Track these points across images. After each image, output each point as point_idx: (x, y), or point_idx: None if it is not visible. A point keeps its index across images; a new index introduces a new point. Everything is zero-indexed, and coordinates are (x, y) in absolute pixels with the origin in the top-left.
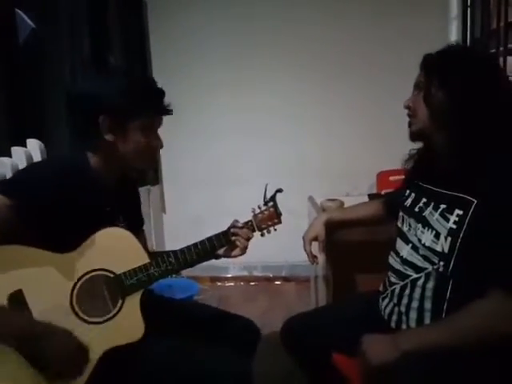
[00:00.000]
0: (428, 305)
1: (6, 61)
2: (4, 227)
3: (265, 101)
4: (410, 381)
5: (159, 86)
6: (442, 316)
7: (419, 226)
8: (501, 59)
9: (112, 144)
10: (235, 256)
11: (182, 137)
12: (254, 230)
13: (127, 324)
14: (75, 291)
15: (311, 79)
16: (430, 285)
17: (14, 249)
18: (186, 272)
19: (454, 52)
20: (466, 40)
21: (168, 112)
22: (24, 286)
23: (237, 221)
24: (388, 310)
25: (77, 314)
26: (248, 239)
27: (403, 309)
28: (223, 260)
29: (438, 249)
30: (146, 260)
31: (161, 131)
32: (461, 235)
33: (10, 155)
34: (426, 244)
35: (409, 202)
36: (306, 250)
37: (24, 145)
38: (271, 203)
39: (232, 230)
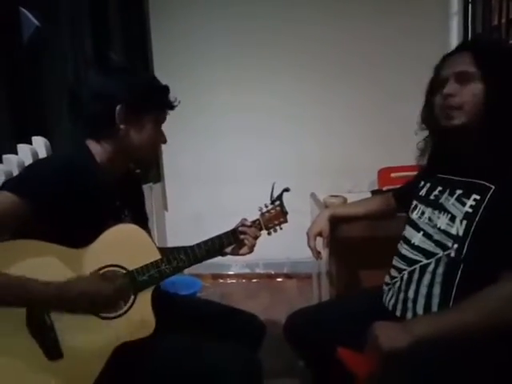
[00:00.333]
0: (437, 290)
1: (11, 58)
2: (15, 224)
3: (265, 100)
4: (422, 367)
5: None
6: (450, 302)
7: (436, 212)
8: None
9: (123, 134)
10: (243, 254)
11: (183, 135)
12: (261, 229)
13: (139, 320)
14: None
15: (311, 79)
16: (440, 270)
17: (27, 243)
18: (187, 269)
19: (498, 41)
20: (468, 36)
21: (174, 107)
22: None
23: (245, 219)
24: (393, 301)
25: None
26: (256, 238)
27: (411, 294)
28: (225, 257)
29: (453, 232)
30: (157, 256)
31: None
32: (476, 219)
33: (16, 152)
34: (442, 227)
35: (424, 191)
36: (310, 246)
37: (29, 142)
38: (278, 202)
39: (240, 228)
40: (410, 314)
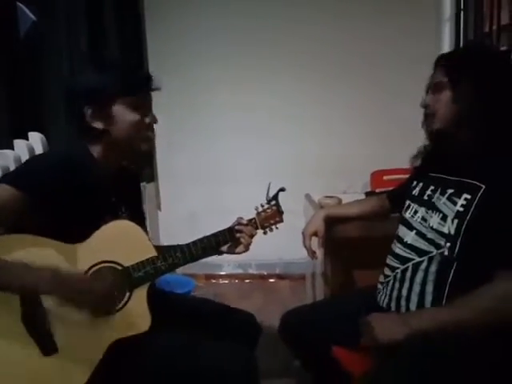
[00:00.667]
0: (430, 288)
1: (7, 53)
2: (13, 217)
3: (263, 100)
4: (417, 365)
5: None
6: (442, 300)
7: (429, 211)
8: None
9: (105, 131)
10: (239, 253)
11: (179, 135)
12: (257, 228)
13: (134, 316)
14: None
15: (311, 78)
16: (433, 268)
17: (24, 237)
18: (180, 269)
19: (475, 50)
20: (459, 42)
21: (144, 86)
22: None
23: (241, 218)
24: (387, 299)
25: None
26: (251, 236)
27: (404, 292)
28: (218, 258)
29: (445, 230)
30: (153, 253)
31: (157, 128)
32: (467, 218)
33: (12, 148)
34: (434, 227)
35: (417, 191)
36: (305, 245)
37: (26, 138)
38: (274, 202)
39: (237, 227)
40: (403, 311)
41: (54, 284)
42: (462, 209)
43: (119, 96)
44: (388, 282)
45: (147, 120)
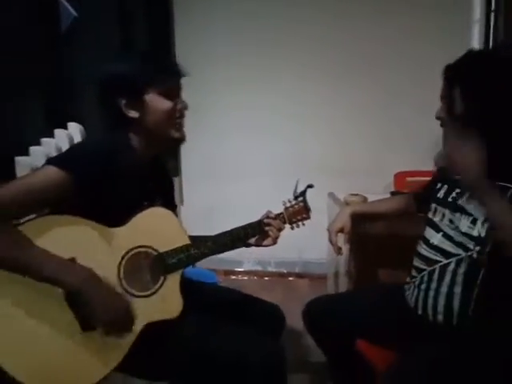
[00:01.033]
0: (458, 289)
1: (50, 49)
2: (57, 198)
3: (268, 99)
4: (437, 362)
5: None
6: (471, 301)
7: (456, 214)
8: None
9: (140, 119)
10: (266, 245)
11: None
12: (285, 222)
13: (167, 301)
14: (122, 264)
15: (313, 78)
16: (461, 270)
17: (67, 218)
18: (200, 264)
19: (472, 61)
20: (488, 45)
21: (175, 74)
22: (78, 254)
23: (270, 211)
24: (414, 298)
25: (123, 286)
26: (280, 230)
27: (432, 293)
28: (237, 254)
29: (475, 234)
30: (186, 241)
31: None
32: None
33: (53, 137)
34: (463, 230)
35: (441, 193)
36: (331, 241)
37: (65, 127)
38: (301, 198)
39: (266, 220)
40: (431, 312)
41: (85, 286)
42: None
43: (151, 85)
44: (414, 282)
45: (179, 106)
